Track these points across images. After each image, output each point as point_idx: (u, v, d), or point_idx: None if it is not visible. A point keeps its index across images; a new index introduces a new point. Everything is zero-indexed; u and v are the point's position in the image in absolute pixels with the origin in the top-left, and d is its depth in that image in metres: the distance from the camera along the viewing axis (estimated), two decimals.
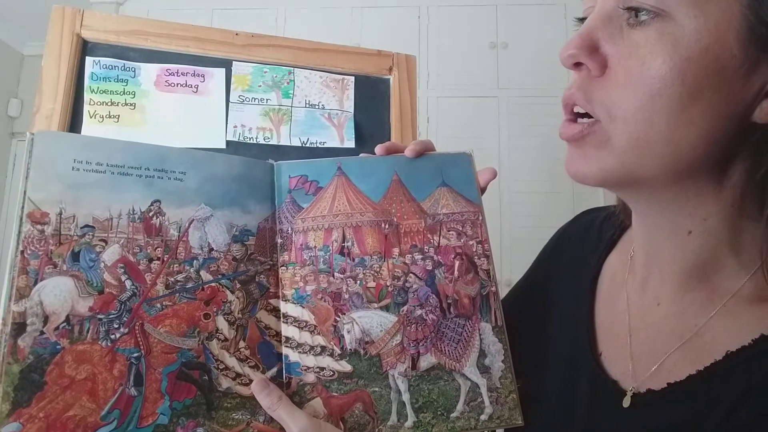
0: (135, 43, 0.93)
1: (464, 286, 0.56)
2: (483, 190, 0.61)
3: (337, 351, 0.53)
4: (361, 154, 0.63)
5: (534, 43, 2.60)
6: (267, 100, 0.97)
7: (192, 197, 0.53)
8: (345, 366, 0.52)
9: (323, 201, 0.58)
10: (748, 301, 0.44)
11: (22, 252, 0.46)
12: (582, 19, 0.46)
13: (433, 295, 0.56)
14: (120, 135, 0.87)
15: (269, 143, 0.95)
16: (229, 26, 1.02)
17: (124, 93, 0.91)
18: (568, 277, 0.63)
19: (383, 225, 0.57)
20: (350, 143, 0.99)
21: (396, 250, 0.57)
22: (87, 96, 0.89)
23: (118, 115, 0.90)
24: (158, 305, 0.49)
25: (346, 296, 0.55)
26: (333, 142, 0.98)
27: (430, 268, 0.57)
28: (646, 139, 0.40)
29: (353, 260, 0.56)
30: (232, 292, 0.52)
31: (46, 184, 0.48)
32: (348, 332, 0.53)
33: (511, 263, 2.32)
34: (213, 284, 0.52)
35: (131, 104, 0.91)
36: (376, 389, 0.52)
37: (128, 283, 0.49)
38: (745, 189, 0.42)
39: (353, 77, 1.02)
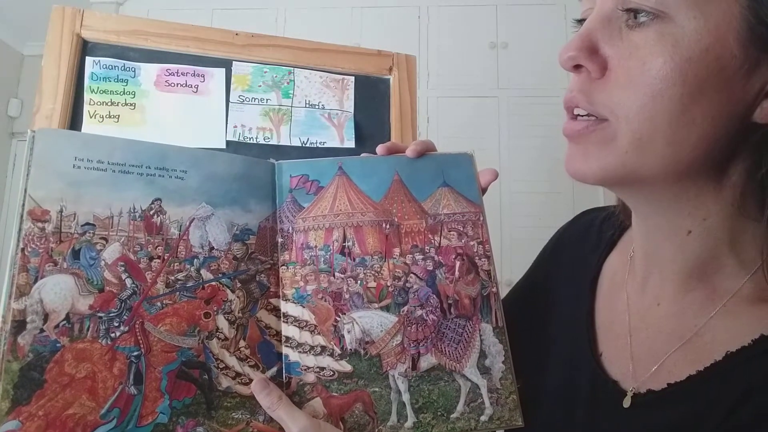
0: (135, 43, 0.93)
1: (465, 286, 0.56)
2: (484, 190, 0.61)
3: (338, 351, 0.53)
4: (363, 154, 0.63)
5: (534, 43, 2.61)
6: (267, 100, 0.97)
7: (193, 196, 0.53)
8: (345, 366, 0.52)
9: (324, 200, 0.58)
10: (748, 301, 0.44)
11: (23, 249, 0.46)
12: (580, 21, 0.46)
13: (434, 296, 0.56)
14: (120, 135, 0.87)
15: (269, 143, 0.96)
16: (229, 26, 1.02)
17: (124, 93, 0.91)
18: (568, 277, 0.63)
19: (384, 225, 0.57)
20: (350, 143, 0.99)
21: (397, 250, 0.57)
22: (87, 96, 0.89)
23: (118, 115, 0.90)
24: (158, 304, 0.49)
25: (347, 296, 0.55)
26: (333, 142, 0.99)
27: (431, 268, 0.57)
28: (648, 139, 0.40)
29: (354, 260, 0.56)
30: (233, 291, 0.52)
31: (47, 182, 0.48)
32: (348, 332, 0.53)
33: (511, 263, 2.32)
34: (213, 283, 0.52)
35: (131, 104, 0.91)
36: (376, 389, 0.52)
37: (128, 282, 0.49)
38: (746, 189, 0.42)
39: (353, 77, 1.02)
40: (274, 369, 0.51)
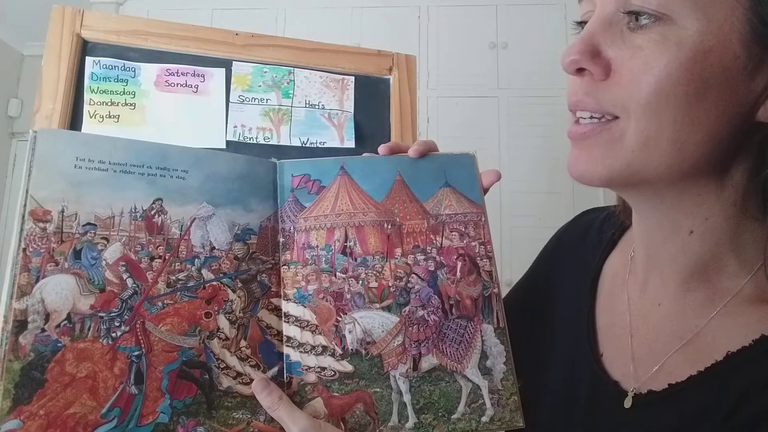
0: (135, 43, 0.93)
1: (466, 287, 0.56)
2: (485, 191, 0.61)
3: (339, 351, 0.53)
4: (365, 154, 0.62)
5: (534, 43, 2.61)
6: (267, 100, 0.97)
7: (194, 195, 0.53)
8: (346, 366, 0.52)
9: (326, 200, 0.58)
10: (749, 302, 0.44)
11: (24, 249, 0.46)
12: (581, 23, 0.46)
13: (435, 296, 0.56)
14: (120, 135, 0.87)
15: (269, 143, 0.96)
16: (229, 26, 1.02)
17: (124, 93, 0.91)
18: (569, 277, 0.63)
19: (386, 225, 0.57)
20: (350, 143, 0.99)
21: (398, 251, 0.57)
22: (87, 96, 0.89)
23: (118, 115, 0.90)
24: (159, 303, 0.49)
25: (348, 296, 0.54)
26: (333, 142, 0.99)
27: (433, 268, 0.57)
28: (654, 137, 0.40)
29: (355, 260, 0.56)
30: (234, 291, 0.52)
31: (49, 182, 0.48)
32: (349, 332, 0.53)
33: (511, 263, 2.31)
34: (214, 283, 0.52)
35: (131, 104, 0.91)
36: (377, 390, 0.52)
37: (129, 282, 0.48)
38: (748, 188, 0.42)
39: (353, 77, 1.02)
40: (275, 369, 0.51)
